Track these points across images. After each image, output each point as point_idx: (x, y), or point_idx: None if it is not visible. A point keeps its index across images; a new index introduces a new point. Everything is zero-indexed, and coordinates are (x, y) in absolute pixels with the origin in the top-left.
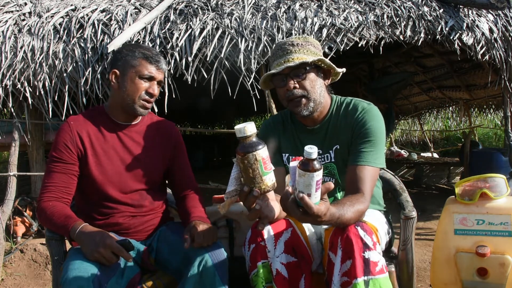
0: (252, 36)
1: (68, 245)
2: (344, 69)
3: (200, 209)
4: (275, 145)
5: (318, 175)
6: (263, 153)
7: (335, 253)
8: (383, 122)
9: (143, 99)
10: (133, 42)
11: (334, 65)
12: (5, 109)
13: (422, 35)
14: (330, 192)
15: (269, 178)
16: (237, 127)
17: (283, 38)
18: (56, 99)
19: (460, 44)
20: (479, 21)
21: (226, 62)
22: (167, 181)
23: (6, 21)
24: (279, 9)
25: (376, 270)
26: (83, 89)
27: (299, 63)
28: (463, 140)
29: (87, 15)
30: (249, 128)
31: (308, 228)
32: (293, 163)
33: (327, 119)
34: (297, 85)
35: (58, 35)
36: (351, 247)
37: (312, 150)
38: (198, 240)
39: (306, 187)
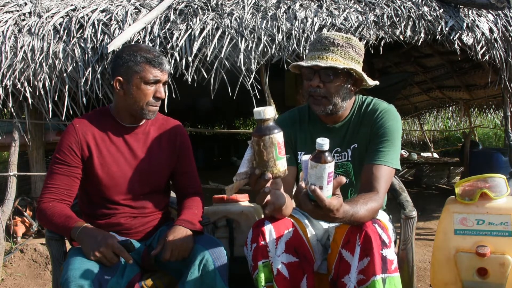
0: (252, 36)
1: (68, 245)
2: (377, 82)
3: (192, 211)
4: (289, 143)
5: (330, 167)
6: (279, 137)
7: (351, 251)
8: (401, 124)
9: (152, 104)
10: (132, 43)
11: (365, 77)
12: (5, 109)
13: (422, 35)
14: (343, 193)
15: (281, 164)
16: (256, 109)
17: (283, 38)
18: (56, 99)
19: (460, 44)
20: (479, 21)
21: (226, 62)
22: (171, 182)
23: (6, 21)
24: (279, 9)
25: (392, 268)
26: (83, 89)
27: (328, 66)
28: (463, 140)
29: (87, 15)
30: (268, 111)
31: (308, 229)
32: (305, 157)
33: (348, 119)
34: (321, 85)
35: (58, 35)
36: (370, 244)
37: (324, 142)
38: (165, 256)
39: (318, 179)
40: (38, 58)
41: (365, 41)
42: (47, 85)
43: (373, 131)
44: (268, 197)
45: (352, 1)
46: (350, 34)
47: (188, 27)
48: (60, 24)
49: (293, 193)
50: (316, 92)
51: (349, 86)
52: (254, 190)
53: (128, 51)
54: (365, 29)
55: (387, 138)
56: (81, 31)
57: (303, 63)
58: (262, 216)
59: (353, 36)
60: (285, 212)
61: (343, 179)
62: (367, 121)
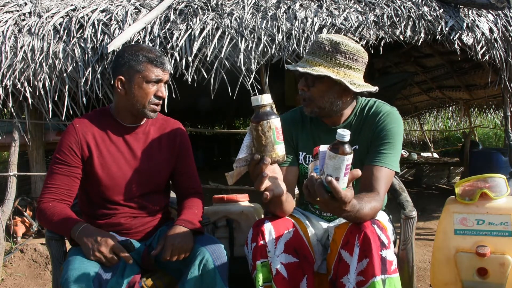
0: (252, 36)
1: (68, 245)
2: (369, 89)
3: (192, 211)
4: (290, 143)
5: (348, 159)
6: (277, 122)
7: (350, 252)
8: (403, 127)
9: (153, 103)
10: (133, 43)
11: (349, 85)
12: (5, 109)
13: (422, 35)
14: None
15: (280, 148)
16: (253, 96)
17: (283, 38)
18: (56, 99)
19: (460, 44)
20: (479, 21)
21: (226, 62)
22: (171, 182)
23: (6, 21)
24: (279, 9)
25: (392, 269)
26: (83, 89)
27: (303, 72)
28: (463, 140)
29: (87, 15)
30: (265, 98)
31: (309, 229)
32: (323, 147)
33: (350, 120)
34: (305, 89)
35: (58, 35)
36: (369, 245)
37: (345, 133)
38: (165, 256)
39: (335, 171)
40: (38, 58)
41: (365, 41)
42: (47, 85)
43: (375, 134)
44: (267, 183)
45: (352, 1)
46: (350, 35)
47: (188, 27)
48: (60, 24)
49: (304, 184)
50: (302, 95)
51: (335, 91)
52: (253, 175)
53: (130, 51)
54: (365, 29)
55: (388, 140)
56: (81, 31)
57: (289, 67)
58: (262, 216)
59: (352, 37)
60: (286, 207)
61: (359, 173)
62: (369, 123)
